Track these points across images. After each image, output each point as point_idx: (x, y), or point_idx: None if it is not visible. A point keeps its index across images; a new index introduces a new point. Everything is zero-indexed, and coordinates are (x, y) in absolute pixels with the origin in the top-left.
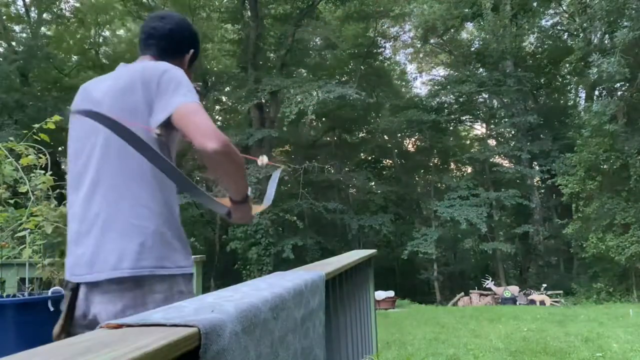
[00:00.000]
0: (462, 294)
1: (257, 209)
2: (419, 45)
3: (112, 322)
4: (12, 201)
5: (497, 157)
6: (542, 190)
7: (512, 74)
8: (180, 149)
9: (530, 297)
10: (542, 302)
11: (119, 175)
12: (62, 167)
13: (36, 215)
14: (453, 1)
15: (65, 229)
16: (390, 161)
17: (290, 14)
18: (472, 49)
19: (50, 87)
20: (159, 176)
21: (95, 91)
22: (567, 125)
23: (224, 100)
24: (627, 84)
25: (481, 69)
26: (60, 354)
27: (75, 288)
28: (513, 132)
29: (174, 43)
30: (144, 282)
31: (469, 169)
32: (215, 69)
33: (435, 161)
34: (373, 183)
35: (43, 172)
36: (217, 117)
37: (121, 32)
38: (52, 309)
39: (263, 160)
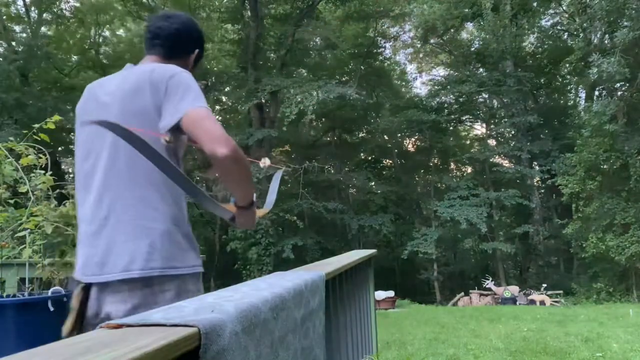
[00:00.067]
0: (462, 294)
1: (258, 213)
2: (419, 45)
3: (112, 322)
4: (12, 201)
5: (497, 157)
6: (542, 190)
7: (512, 74)
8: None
9: (530, 297)
10: (542, 302)
11: (127, 176)
12: (62, 167)
13: (36, 215)
14: (453, 1)
15: (65, 229)
16: (390, 161)
17: (290, 14)
18: (472, 49)
19: (50, 87)
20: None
21: (103, 93)
22: (567, 125)
23: (224, 100)
24: (627, 84)
25: (481, 69)
26: (60, 354)
27: (87, 287)
28: (513, 132)
29: (180, 43)
30: (153, 282)
31: (469, 169)
32: (215, 69)
33: (435, 161)
34: (373, 183)
35: (43, 172)
36: (217, 117)
37: (121, 32)
38: (52, 309)
39: (265, 162)
